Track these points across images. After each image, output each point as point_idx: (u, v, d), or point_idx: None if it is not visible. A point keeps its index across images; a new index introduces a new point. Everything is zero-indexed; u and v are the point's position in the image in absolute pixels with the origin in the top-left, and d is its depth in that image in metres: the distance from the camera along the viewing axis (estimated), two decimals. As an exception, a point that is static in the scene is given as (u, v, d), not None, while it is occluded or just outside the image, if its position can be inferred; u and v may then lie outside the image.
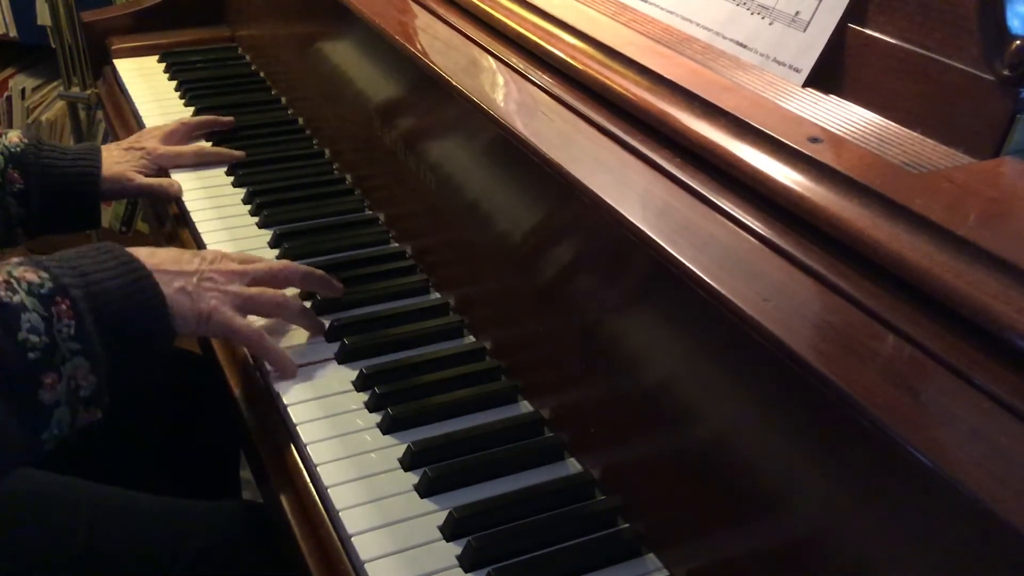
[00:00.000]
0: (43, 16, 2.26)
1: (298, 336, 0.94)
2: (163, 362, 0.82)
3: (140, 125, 1.39)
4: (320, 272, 0.96)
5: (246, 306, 0.88)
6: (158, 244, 1.07)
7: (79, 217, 1.16)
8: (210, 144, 1.30)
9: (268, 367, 0.89)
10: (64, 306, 0.71)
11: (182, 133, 1.28)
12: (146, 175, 1.20)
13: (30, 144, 1.09)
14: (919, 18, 0.72)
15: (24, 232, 1.11)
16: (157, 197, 1.21)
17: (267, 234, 1.11)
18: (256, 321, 0.92)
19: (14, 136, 1.10)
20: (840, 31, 0.77)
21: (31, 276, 0.71)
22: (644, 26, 0.91)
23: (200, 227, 1.13)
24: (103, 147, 1.19)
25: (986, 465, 0.47)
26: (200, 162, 1.26)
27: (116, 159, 1.19)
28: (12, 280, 0.71)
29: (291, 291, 0.97)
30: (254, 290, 0.89)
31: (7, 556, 0.82)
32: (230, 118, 1.33)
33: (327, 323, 0.95)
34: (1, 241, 1.10)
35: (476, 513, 0.74)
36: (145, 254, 0.82)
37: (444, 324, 0.96)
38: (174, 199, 1.19)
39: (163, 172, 1.23)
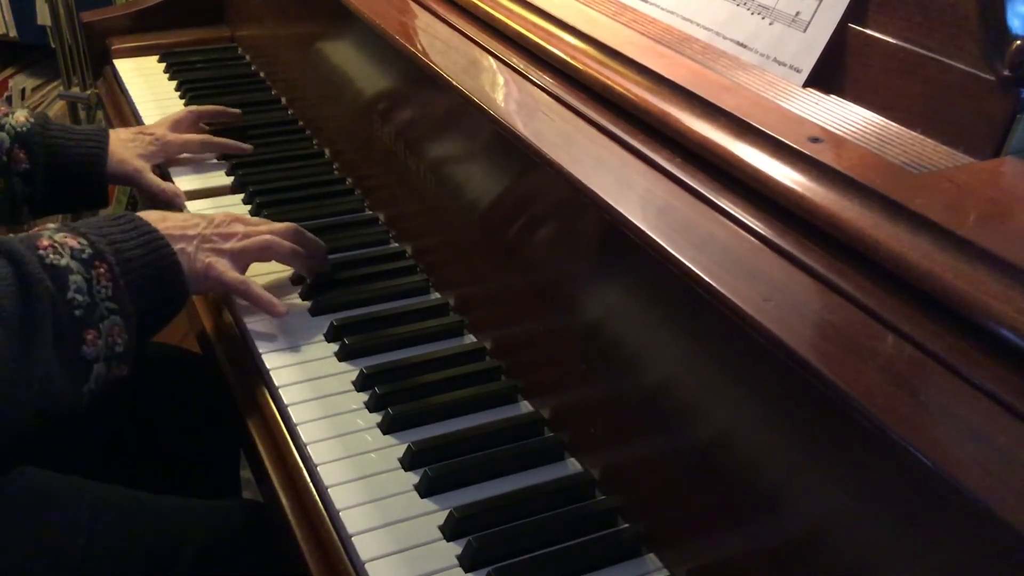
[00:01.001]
0: (43, 16, 2.26)
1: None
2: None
3: (140, 125, 1.39)
4: (303, 252, 0.99)
5: (240, 259, 0.95)
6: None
7: (86, 197, 1.16)
8: (206, 107, 1.32)
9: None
10: (103, 269, 0.80)
11: (190, 120, 1.29)
12: (154, 165, 1.20)
13: (36, 124, 1.10)
14: (919, 18, 0.72)
15: (30, 211, 1.12)
16: (160, 201, 1.20)
17: (267, 234, 1.11)
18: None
19: (21, 116, 1.10)
20: (840, 31, 0.77)
21: (72, 242, 0.79)
22: (644, 26, 0.91)
23: (189, 206, 1.13)
24: (112, 130, 1.19)
25: (986, 465, 0.47)
26: (207, 151, 1.26)
27: (124, 141, 1.19)
28: (56, 244, 0.78)
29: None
30: (243, 243, 0.95)
31: (8, 554, 0.82)
32: (237, 110, 1.33)
33: (328, 322, 0.95)
34: (7, 219, 1.11)
35: (476, 513, 0.74)
36: (156, 218, 0.89)
37: (444, 324, 0.96)
38: (177, 208, 1.18)
39: (170, 160, 1.24)
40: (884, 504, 0.52)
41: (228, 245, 0.94)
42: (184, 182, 1.21)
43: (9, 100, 2.50)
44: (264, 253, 0.97)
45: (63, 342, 0.76)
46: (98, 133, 1.16)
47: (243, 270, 0.95)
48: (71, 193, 1.14)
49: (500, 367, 0.90)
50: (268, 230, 0.98)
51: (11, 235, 0.80)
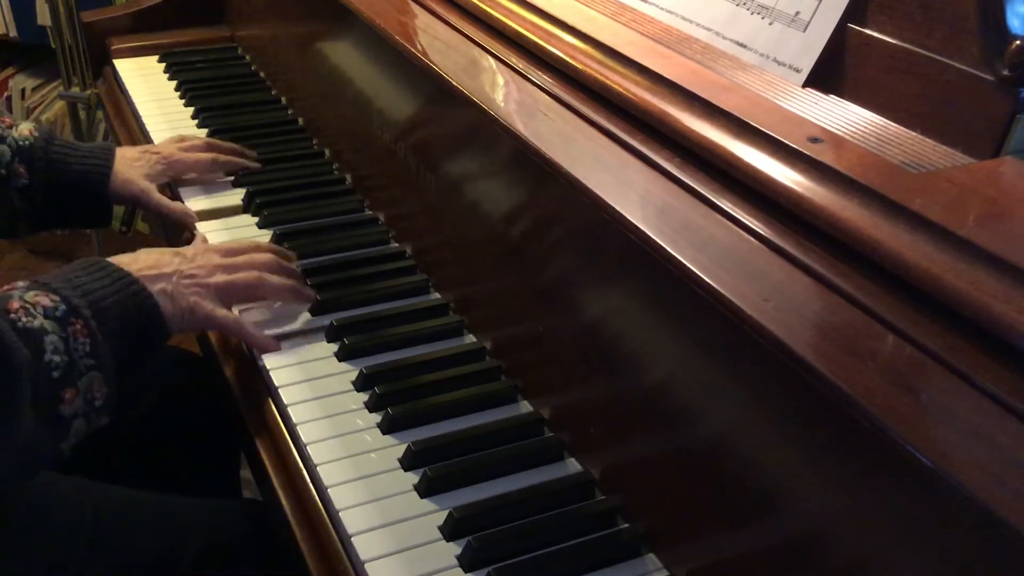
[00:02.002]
0: (43, 16, 2.26)
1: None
2: (161, 362, 0.86)
3: (140, 125, 1.39)
4: (292, 284, 0.97)
5: (227, 295, 0.91)
6: (158, 244, 1.07)
7: (88, 215, 1.14)
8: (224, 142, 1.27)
9: (256, 353, 0.92)
10: (79, 326, 0.76)
11: (203, 148, 1.23)
12: (160, 185, 1.17)
13: (39, 139, 1.08)
14: (919, 18, 0.72)
15: (27, 227, 1.11)
16: (170, 220, 1.17)
17: (267, 234, 1.11)
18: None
19: (25, 129, 1.08)
20: (840, 31, 0.77)
21: (44, 300, 0.76)
22: (644, 26, 0.91)
23: (200, 227, 1.13)
24: (119, 148, 1.16)
25: (986, 465, 0.47)
26: (216, 171, 1.22)
27: (130, 161, 1.16)
28: (28, 305, 0.75)
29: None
30: (229, 278, 0.91)
31: (11, 554, 0.82)
32: (257, 165, 1.25)
33: (328, 322, 0.95)
34: (3, 233, 1.09)
35: (476, 513, 0.74)
36: (127, 260, 0.86)
37: (444, 324, 0.96)
38: (188, 228, 1.15)
39: (176, 181, 1.20)
40: (884, 504, 0.52)
41: (212, 280, 0.90)
42: (194, 203, 1.17)
43: (9, 100, 2.50)
44: (253, 291, 0.94)
45: (41, 405, 0.73)
46: (103, 151, 1.13)
47: (229, 306, 0.92)
48: (72, 210, 1.11)
49: (500, 367, 0.90)
50: (248, 262, 0.94)
51: None
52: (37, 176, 1.07)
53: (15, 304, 0.75)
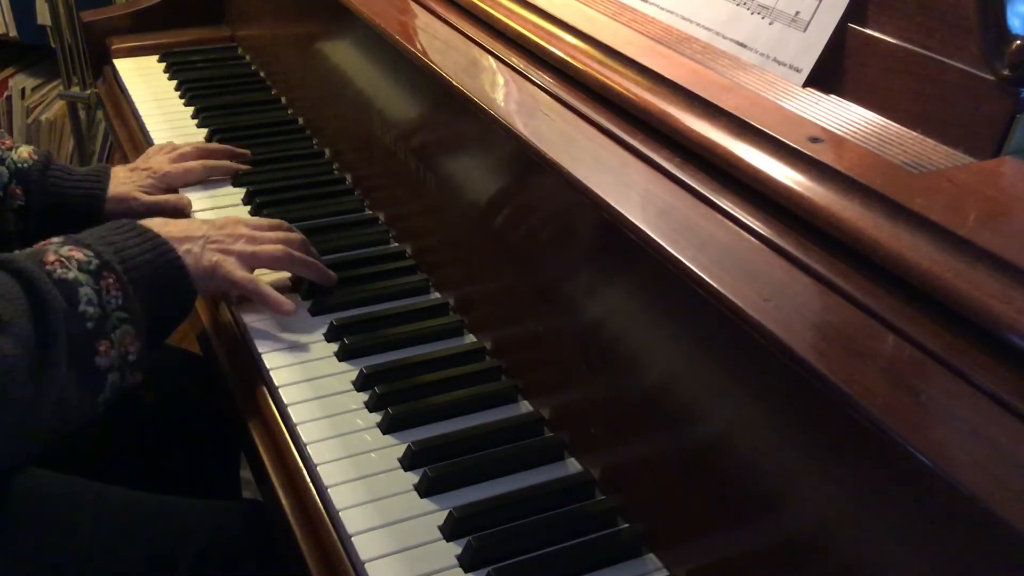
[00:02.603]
0: (43, 16, 2.26)
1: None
2: (162, 360, 0.88)
3: (140, 125, 1.39)
4: (318, 264, 0.99)
5: (249, 262, 0.95)
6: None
7: None
8: (215, 144, 1.28)
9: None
10: (111, 279, 0.80)
11: (195, 155, 1.23)
12: (152, 194, 1.17)
13: (38, 162, 1.10)
14: (919, 18, 0.72)
15: (21, 247, 1.11)
16: (166, 214, 1.16)
17: (267, 234, 1.11)
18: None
19: (24, 152, 1.10)
20: (840, 31, 0.77)
21: (78, 255, 0.80)
22: (644, 26, 0.91)
23: None
24: (113, 168, 1.17)
25: (986, 465, 0.47)
26: (208, 176, 1.22)
27: (122, 180, 1.17)
28: (62, 258, 0.79)
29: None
30: (254, 248, 0.95)
31: (9, 555, 0.82)
32: (247, 166, 1.25)
33: (328, 322, 0.95)
34: None
35: (476, 513, 0.74)
36: (159, 223, 0.91)
37: (444, 324, 0.96)
38: (185, 215, 1.16)
39: (172, 190, 1.19)
40: (884, 504, 0.52)
41: (237, 247, 0.94)
42: (194, 203, 1.17)
43: (9, 100, 2.50)
44: (279, 264, 0.97)
45: (77, 356, 0.76)
46: (97, 174, 1.15)
47: (250, 272, 0.95)
48: (67, 232, 1.12)
49: (500, 367, 0.90)
50: (276, 238, 0.98)
51: (16, 252, 0.80)
52: (33, 198, 1.09)
53: (51, 257, 0.78)
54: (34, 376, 0.72)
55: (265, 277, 1.01)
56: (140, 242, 0.85)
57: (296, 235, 1.00)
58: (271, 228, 1.00)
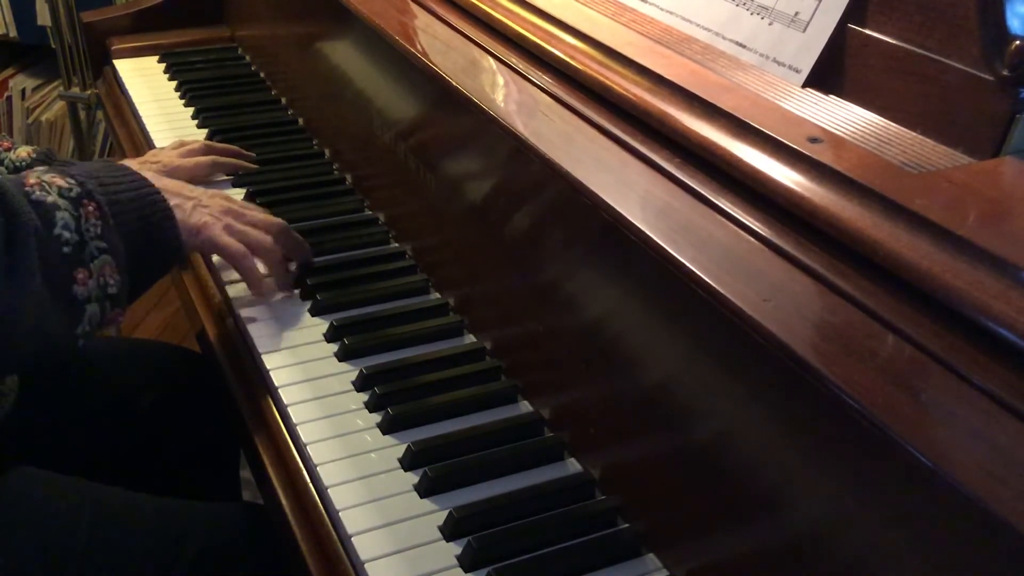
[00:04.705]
0: (43, 16, 2.26)
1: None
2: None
3: (140, 126, 1.39)
4: (284, 267, 1.00)
5: (235, 235, 0.95)
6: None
7: None
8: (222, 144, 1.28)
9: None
10: (91, 208, 0.79)
11: (200, 154, 1.22)
12: None
13: (36, 160, 1.09)
14: (919, 18, 0.72)
15: None
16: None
17: (267, 234, 1.11)
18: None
19: (23, 151, 1.09)
20: (840, 31, 0.77)
21: (60, 181, 0.79)
22: (644, 26, 0.91)
23: None
24: (119, 164, 1.17)
25: (986, 465, 0.47)
26: (216, 173, 1.22)
27: None
28: (44, 183, 0.78)
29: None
30: (243, 227, 0.95)
31: (8, 556, 0.82)
32: (254, 166, 1.25)
33: (328, 323, 0.95)
34: None
35: (476, 513, 0.74)
36: (151, 176, 0.90)
37: (444, 324, 0.96)
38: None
39: None
40: (884, 504, 0.52)
41: (225, 218, 0.94)
42: None
43: (9, 100, 2.50)
44: (257, 251, 0.97)
45: (53, 280, 0.75)
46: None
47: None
48: None
49: (500, 367, 0.90)
50: (262, 220, 0.98)
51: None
52: None
53: (32, 180, 0.78)
54: (5, 283, 0.71)
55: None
56: (127, 182, 0.85)
57: (274, 220, 1.00)
58: (258, 212, 1.00)
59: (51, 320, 0.75)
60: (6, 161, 1.08)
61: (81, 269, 0.77)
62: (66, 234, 0.76)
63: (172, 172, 1.18)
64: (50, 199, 0.77)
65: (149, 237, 0.85)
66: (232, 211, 0.96)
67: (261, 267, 0.99)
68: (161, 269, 0.89)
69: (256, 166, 1.24)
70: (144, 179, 0.87)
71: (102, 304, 0.79)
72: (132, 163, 1.18)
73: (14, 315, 0.72)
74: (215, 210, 0.94)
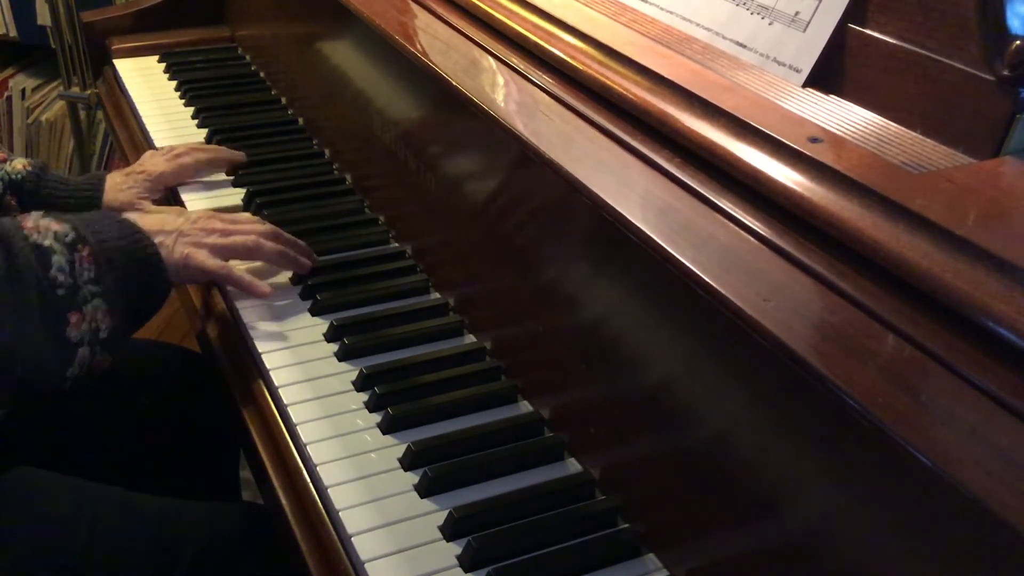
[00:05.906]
0: (43, 16, 2.26)
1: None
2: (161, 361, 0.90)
3: (140, 125, 1.39)
4: (290, 253, 1.00)
5: (222, 253, 0.96)
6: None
7: None
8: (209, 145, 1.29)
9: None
10: (85, 253, 0.82)
11: (183, 156, 1.22)
12: (154, 199, 1.17)
13: (32, 173, 1.09)
14: (919, 18, 0.72)
15: None
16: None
17: (267, 234, 1.11)
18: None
19: (19, 164, 1.10)
20: (840, 31, 0.77)
21: (55, 226, 0.82)
22: (644, 26, 0.91)
23: None
24: (108, 175, 1.17)
25: (986, 465, 0.47)
26: (203, 171, 1.22)
27: (118, 186, 1.16)
28: (40, 227, 0.81)
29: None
30: (228, 240, 0.97)
31: (8, 555, 0.82)
32: (240, 155, 1.26)
33: (328, 322, 0.95)
34: None
35: (476, 513, 0.74)
36: (134, 216, 0.92)
37: (444, 324, 0.96)
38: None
39: (170, 190, 1.20)
40: (884, 504, 0.52)
41: (209, 240, 0.95)
42: (194, 203, 1.17)
43: (9, 100, 2.50)
44: (251, 254, 0.98)
45: (48, 320, 0.77)
46: (92, 183, 1.14)
47: (224, 262, 0.96)
48: None
49: (500, 367, 0.90)
50: (251, 230, 0.99)
51: None
52: (28, 209, 1.08)
53: (29, 224, 0.81)
54: (6, 316, 0.74)
55: (240, 266, 1.00)
56: (116, 228, 0.87)
57: (264, 226, 1.00)
58: (246, 222, 1.01)
59: (45, 360, 0.78)
60: (1, 172, 1.08)
61: (74, 312, 0.80)
62: (60, 277, 0.79)
63: (158, 179, 1.18)
64: (47, 243, 0.80)
65: (140, 282, 0.87)
66: (216, 229, 0.96)
67: (263, 267, 1.00)
68: (151, 311, 0.91)
69: (243, 155, 1.24)
70: (132, 225, 0.89)
71: (92, 348, 0.81)
72: (118, 174, 1.18)
73: (12, 349, 0.75)
74: (198, 235, 0.95)
